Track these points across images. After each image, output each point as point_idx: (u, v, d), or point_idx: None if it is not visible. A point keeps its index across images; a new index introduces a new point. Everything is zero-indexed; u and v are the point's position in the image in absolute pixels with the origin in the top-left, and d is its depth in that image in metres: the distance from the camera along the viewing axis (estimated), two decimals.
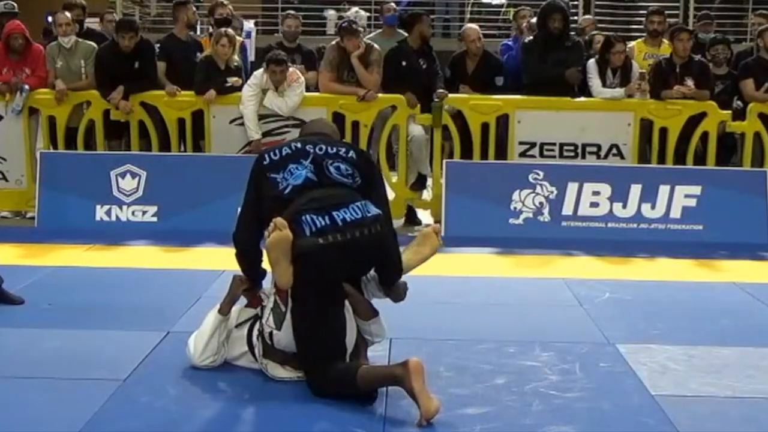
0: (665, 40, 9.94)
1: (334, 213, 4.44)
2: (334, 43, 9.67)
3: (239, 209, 4.87)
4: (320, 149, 4.71)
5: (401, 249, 4.85)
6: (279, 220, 4.38)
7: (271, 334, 4.68)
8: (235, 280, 4.93)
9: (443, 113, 9.33)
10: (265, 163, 4.70)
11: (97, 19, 11.59)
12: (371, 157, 5.06)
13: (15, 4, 10.42)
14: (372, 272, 4.83)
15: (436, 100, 9.28)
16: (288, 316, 4.59)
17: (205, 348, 4.86)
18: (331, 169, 4.64)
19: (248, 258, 4.83)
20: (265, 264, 4.72)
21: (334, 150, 4.73)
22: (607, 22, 15.17)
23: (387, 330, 4.87)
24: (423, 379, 4.23)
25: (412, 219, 9.66)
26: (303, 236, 4.40)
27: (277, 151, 4.73)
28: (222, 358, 4.90)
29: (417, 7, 13.82)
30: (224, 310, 4.89)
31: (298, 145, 4.75)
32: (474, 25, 10.19)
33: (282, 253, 4.37)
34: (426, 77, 9.46)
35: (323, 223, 4.42)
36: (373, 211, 4.55)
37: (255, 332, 4.80)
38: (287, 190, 4.57)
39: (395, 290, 4.83)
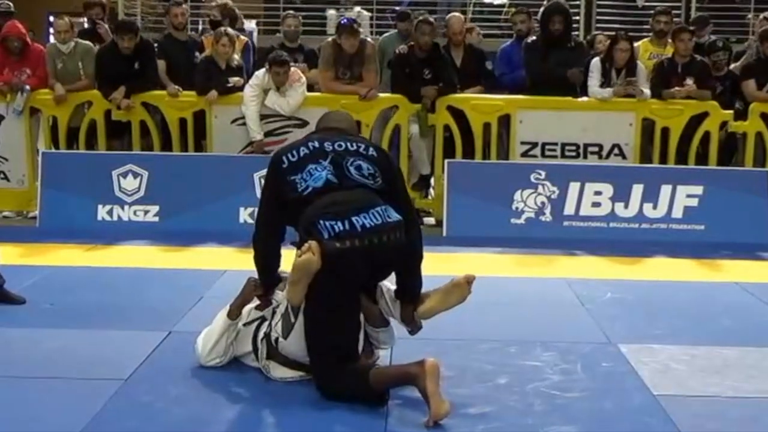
0: (670, 40, 9.93)
1: (354, 218, 4.36)
2: (330, 40, 9.66)
3: (257, 210, 4.81)
4: (339, 146, 4.60)
5: (430, 291, 4.76)
6: (314, 245, 4.28)
7: (277, 339, 4.67)
8: (249, 284, 4.85)
9: (439, 112, 9.32)
10: (284, 166, 4.57)
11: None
12: (391, 155, 4.96)
13: (11, 4, 10.45)
14: (387, 289, 4.78)
15: (420, 106, 9.26)
16: (296, 326, 4.57)
17: (213, 349, 4.85)
18: (352, 169, 4.54)
19: (267, 263, 4.72)
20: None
21: (354, 147, 4.63)
22: (609, 22, 15.14)
23: (395, 339, 4.88)
24: (438, 380, 4.22)
25: None
26: (321, 240, 4.32)
27: (294, 152, 4.60)
28: (229, 358, 4.90)
29: (419, 7, 13.79)
30: (233, 314, 4.86)
31: (316, 144, 4.62)
32: (458, 14, 10.22)
33: (305, 276, 4.31)
34: (429, 86, 9.39)
35: (341, 228, 4.33)
36: (394, 216, 4.46)
37: (261, 334, 4.79)
38: (307, 192, 4.47)
39: (412, 317, 4.76)
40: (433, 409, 4.16)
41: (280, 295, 4.74)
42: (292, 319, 4.58)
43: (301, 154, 4.59)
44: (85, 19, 10.78)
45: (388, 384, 4.43)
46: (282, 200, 4.57)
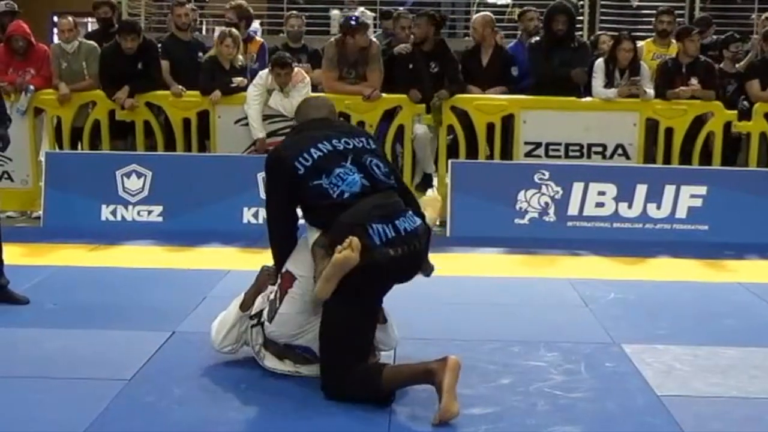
0: (673, 40, 9.93)
1: (397, 222, 4.40)
2: (333, 40, 9.67)
3: (266, 210, 4.82)
4: (347, 144, 4.60)
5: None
6: (356, 242, 4.25)
7: (263, 323, 4.72)
8: (263, 273, 4.89)
9: (444, 112, 9.33)
10: (300, 172, 4.48)
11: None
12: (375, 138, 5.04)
13: (15, 4, 10.46)
14: None
15: (436, 100, 9.27)
16: (280, 311, 4.60)
17: (226, 337, 4.90)
18: (375, 169, 4.56)
19: (283, 253, 4.71)
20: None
21: (360, 143, 4.65)
22: (613, 22, 15.13)
23: (395, 341, 4.87)
24: (456, 377, 4.19)
25: None
26: (374, 246, 4.31)
27: (306, 156, 4.51)
28: (241, 345, 4.92)
29: (422, 7, 13.80)
30: (246, 305, 4.88)
31: (325, 143, 4.56)
32: (486, 14, 10.25)
33: (341, 272, 4.27)
34: (435, 80, 9.39)
35: (391, 234, 4.36)
36: (418, 221, 4.53)
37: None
38: (344, 197, 4.44)
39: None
40: (443, 405, 4.13)
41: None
42: (277, 305, 4.63)
43: (315, 156, 4.51)
44: (92, 20, 10.80)
45: (404, 382, 4.41)
46: (309, 206, 4.54)
